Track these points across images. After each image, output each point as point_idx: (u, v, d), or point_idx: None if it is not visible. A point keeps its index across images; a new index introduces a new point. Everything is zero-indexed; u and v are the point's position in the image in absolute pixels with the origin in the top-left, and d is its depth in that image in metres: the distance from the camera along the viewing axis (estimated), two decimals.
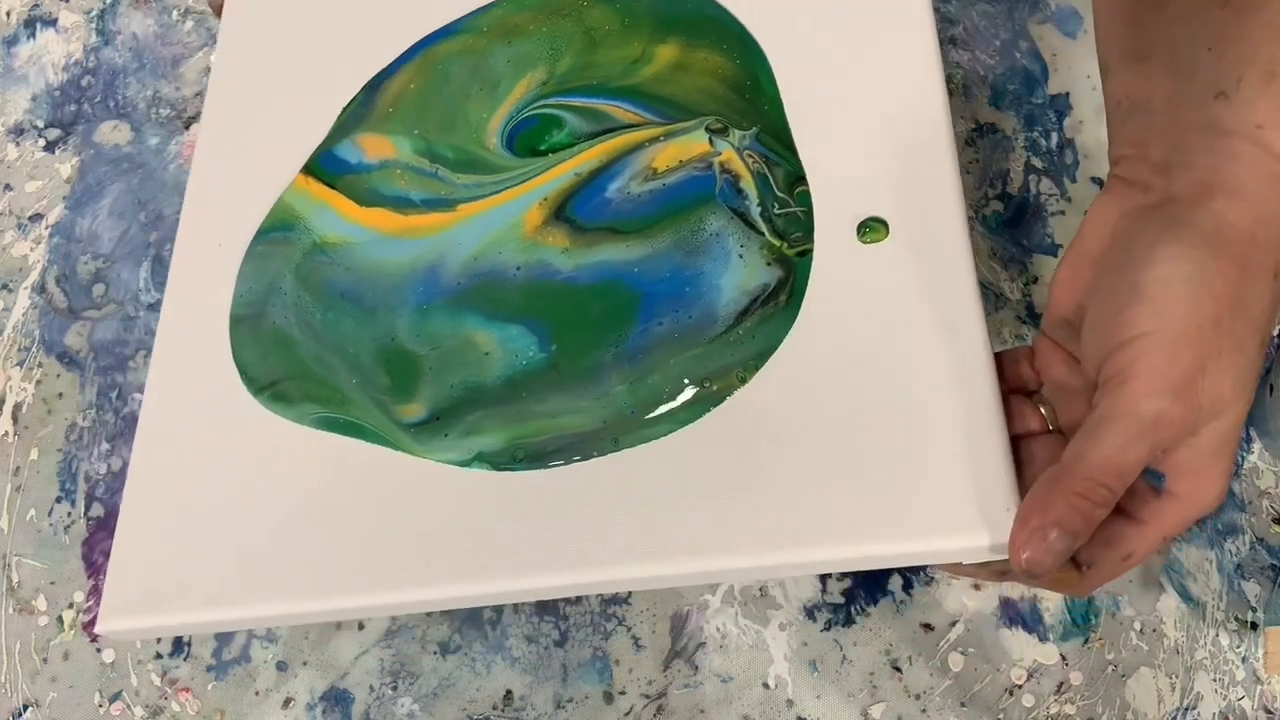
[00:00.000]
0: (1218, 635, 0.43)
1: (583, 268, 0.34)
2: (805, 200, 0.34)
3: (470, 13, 0.41)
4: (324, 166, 0.39)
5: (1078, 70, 0.51)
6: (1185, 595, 0.44)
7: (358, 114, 0.40)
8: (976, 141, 0.50)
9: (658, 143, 0.36)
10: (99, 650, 0.45)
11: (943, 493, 0.28)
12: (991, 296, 0.48)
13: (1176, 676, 0.43)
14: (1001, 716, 0.42)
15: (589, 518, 0.31)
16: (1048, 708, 0.43)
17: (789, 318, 0.33)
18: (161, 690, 0.44)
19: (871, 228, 0.33)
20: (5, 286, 0.50)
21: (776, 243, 0.34)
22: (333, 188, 0.38)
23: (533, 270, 0.35)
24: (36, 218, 0.51)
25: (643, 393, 0.33)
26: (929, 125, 0.34)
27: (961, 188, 0.33)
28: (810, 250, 0.34)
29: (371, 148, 0.39)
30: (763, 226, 0.34)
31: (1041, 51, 0.52)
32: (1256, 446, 0.45)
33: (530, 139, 0.38)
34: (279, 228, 0.38)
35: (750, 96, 0.37)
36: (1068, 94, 0.51)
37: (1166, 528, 0.26)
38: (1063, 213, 0.49)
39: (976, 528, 0.28)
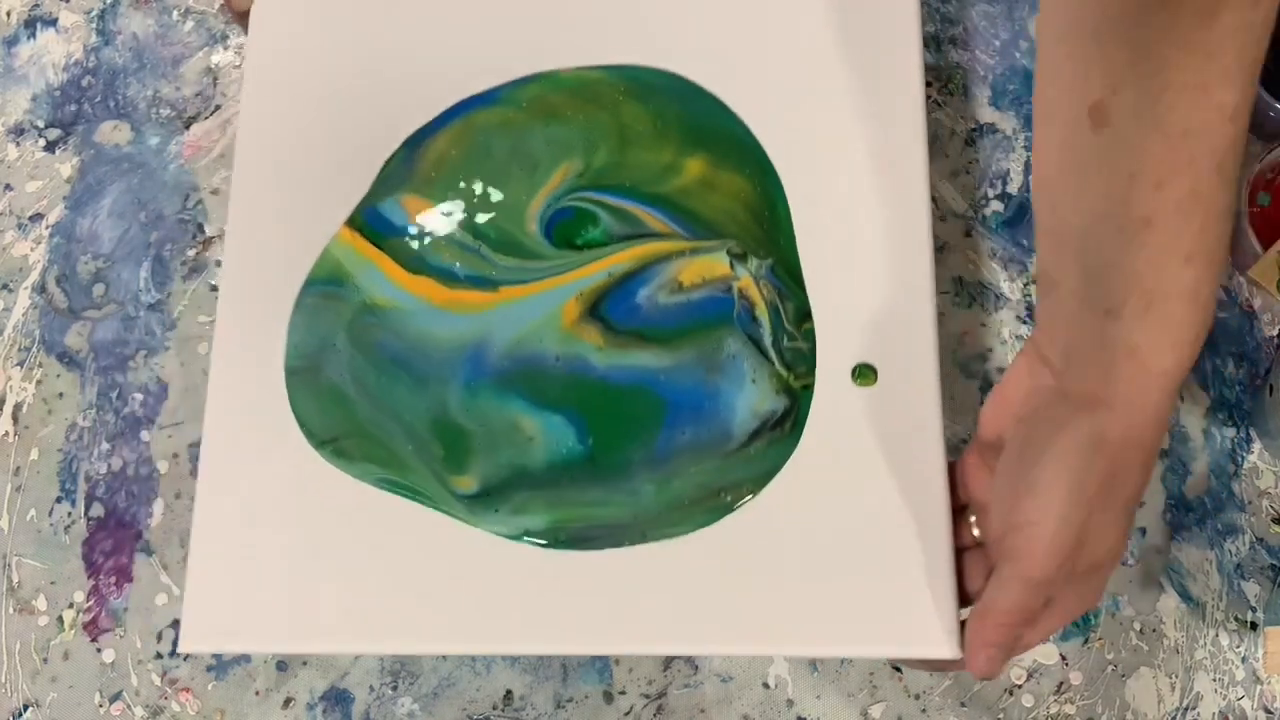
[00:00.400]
0: (1218, 635, 0.43)
1: (615, 368, 0.38)
2: (810, 337, 0.39)
3: (507, 83, 0.42)
4: (370, 224, 0.40)
5: None
6: (1185, 595, 0.44)
7: (400, 172, 0.41)
8: (976, 141, 0.50)
9: (684, 256, 0.39)
10: (99, 650, 0.45)
11: (908, 608, 0.35)
12: (992, 296, 0.48)
13: (1176, 676, 0.43)
14: (1001, 716, 0.42)
15: (616, 599, 0.36)
16: (1048, 708, 0.43)
17: (792, 444, 0.37)
18: (161, 690, 0.44)
19: (863, 373, 0.38)
20: (5, 286, 0.50)
21: (784, 374, 0.38)
22: (379, 247, 0.40)
23: (571, 362, 0.38)
24: (37, 218, 0.51)
25: (668, 495, 0.37)
26: (918, 283, 0.39)
27: (936, 342, 0.38)
28: (811, 385, 0.38)
29: (416, 212, 0.40)
30: (773, 356, 0.38)
31: None
32: (1256, 446, 0.45)
33: (567, 230, 0.40)
34: (328, 281, 0.40)
35: (768, 227, 0.40)
36: None
37: (1054, 627, 0.33)
38: None
39: (944, 641, 0.35)
